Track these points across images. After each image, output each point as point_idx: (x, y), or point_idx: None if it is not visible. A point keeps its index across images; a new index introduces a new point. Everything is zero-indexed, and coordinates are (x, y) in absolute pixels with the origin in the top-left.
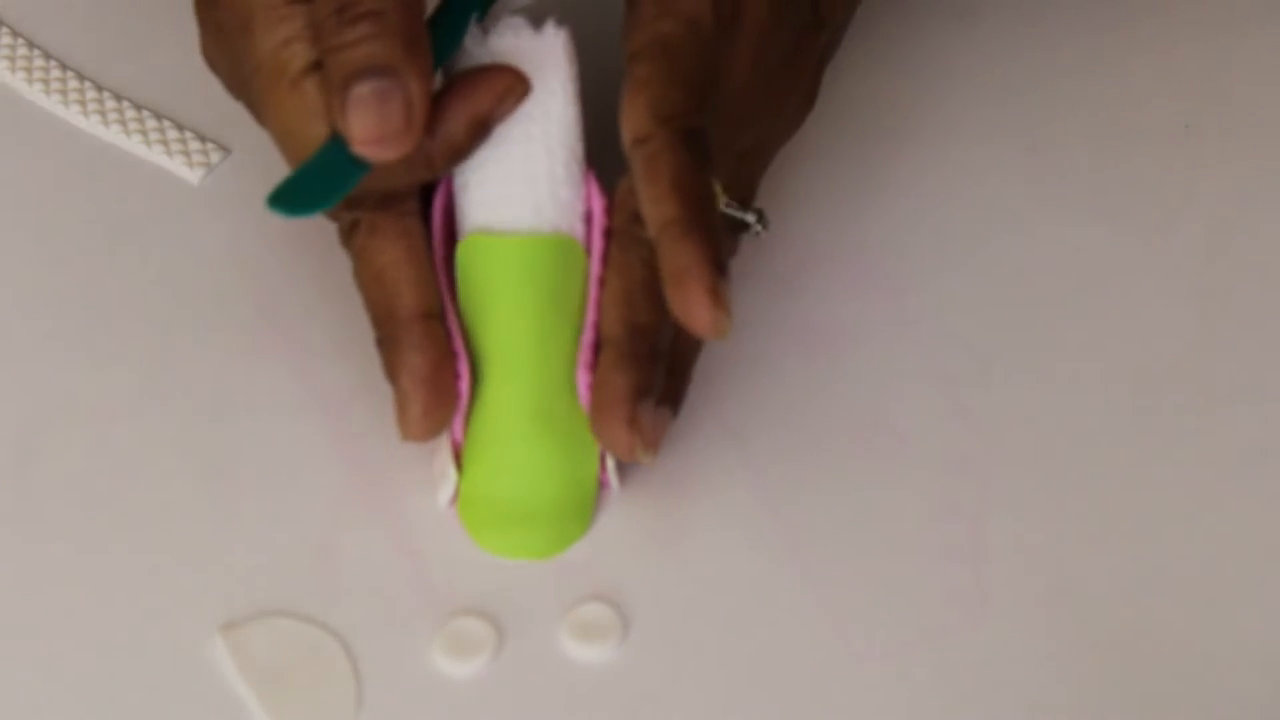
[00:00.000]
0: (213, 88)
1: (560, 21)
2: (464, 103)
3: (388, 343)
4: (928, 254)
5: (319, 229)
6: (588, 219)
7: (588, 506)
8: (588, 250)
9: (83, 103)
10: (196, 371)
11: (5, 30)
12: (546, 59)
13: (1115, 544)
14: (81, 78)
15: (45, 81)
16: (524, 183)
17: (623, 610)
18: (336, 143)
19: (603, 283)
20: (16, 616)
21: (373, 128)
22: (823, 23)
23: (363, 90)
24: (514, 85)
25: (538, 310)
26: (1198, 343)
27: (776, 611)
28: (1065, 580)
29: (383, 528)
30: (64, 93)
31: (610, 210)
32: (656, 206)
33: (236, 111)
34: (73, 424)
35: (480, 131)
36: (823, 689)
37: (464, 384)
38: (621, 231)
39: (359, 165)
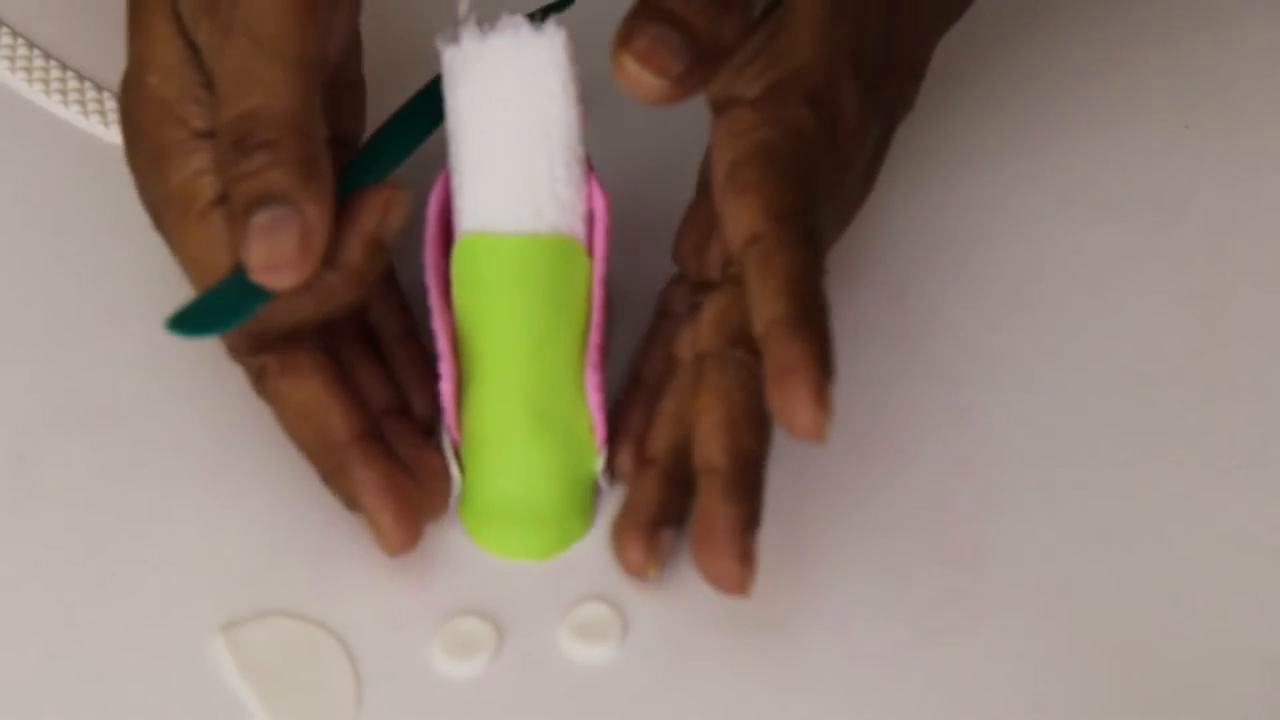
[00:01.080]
0: None
1: (560, 21)
2: (351, 226)
3: (335, 474)
4: (928, 254)
5: None
6: (589, 219)
7: (588, 506)
8: (589, 251)
9: (83, 103)
10: (196, 371)
11: (5, 30)
12: (546, 59)
13: (1115, 544)
14: (81, 78)
15: (45, 81)
16: (523, 183)
17: (623, 610)
18: (240, 272)
19: (702, 408)
20: (16, 616)
21: (268, 255)
22: (908, 101)
23: (261, 219)
24: (392, 199)
25: (536, 311)
26: (1198, 342)
27: (776, 612)
28: (1065, 580)
29: None
30: (64, 93)
31: (707, 328)
32: (768, 304)
33: None
34: (73, 424)
35: (376, 251)
36: (823, 689)
37: (447, 384)
38: (720, 355)
39: (260, 293)
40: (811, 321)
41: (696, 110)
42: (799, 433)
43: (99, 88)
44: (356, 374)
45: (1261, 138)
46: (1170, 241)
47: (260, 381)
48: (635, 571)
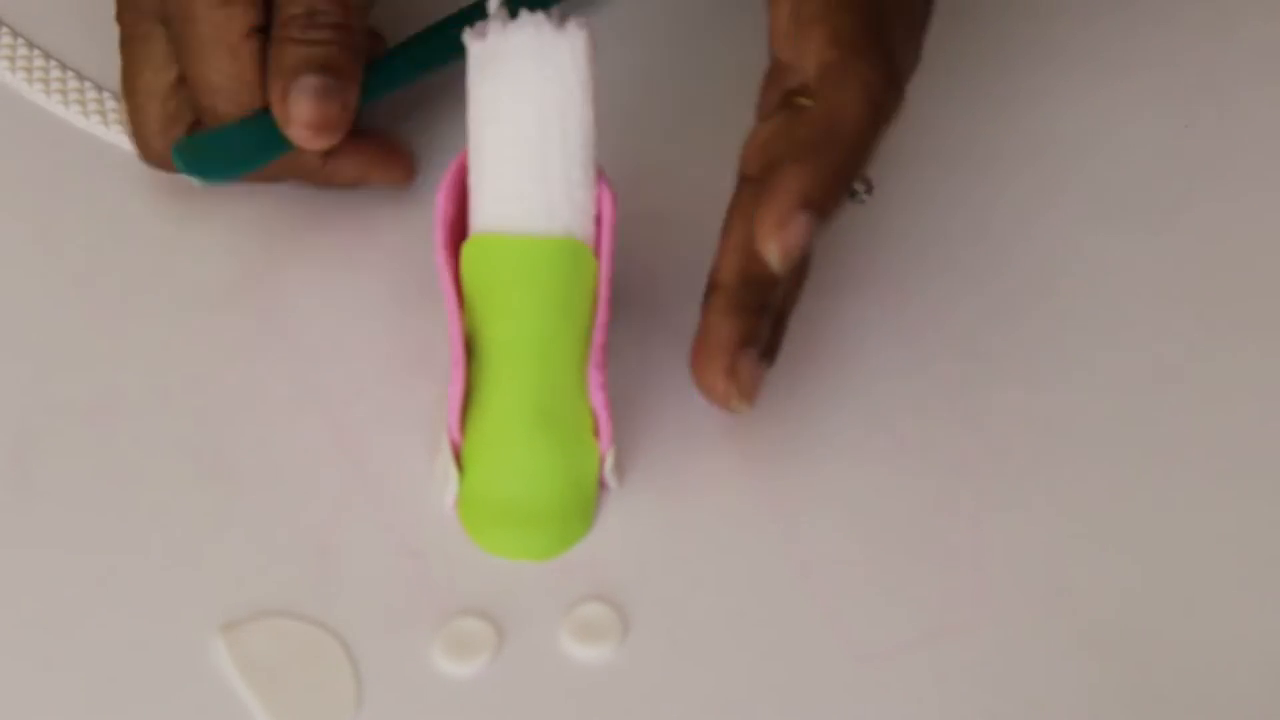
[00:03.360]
0: None
1: (583, 20)
2: (362, 154)
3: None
4: (928, 254)
5: (320, 229)
6: (597, 220)
7: (589, 507)
8: (597, 252)
9: (83, 103)
10: (196, 371)
11: (5, 30)
12: (566, 57)
13: (1115, 544)
14: (81, 78)
15: (45, 81)
16: (538, 183)
17: (623, 610)
18: (263, 118)
19: (725, 229)
20: (16, 616)
21: (313, 114)
22: None
23: (315, 81)
24: (400, 179)
25: (542, 312)
26: (1198, 343)
27: (776, 611)
28: (1065, 580)
29: (383, 528)
30: (64, 93)
31: (750, 151)
32: (724, 256)
33: None
34: (73, 424)
35: (359, 183)
36: (823, 689)
37: (456, 387)
38: (755, 180)
39: (279, 145)
40: (748, 306)
41: (697, 110)
42: (711, 399)
43: (99, 88)
44: None
45: (1261, 138)
46: (1170, 241)
47: None
48: (721, 400)
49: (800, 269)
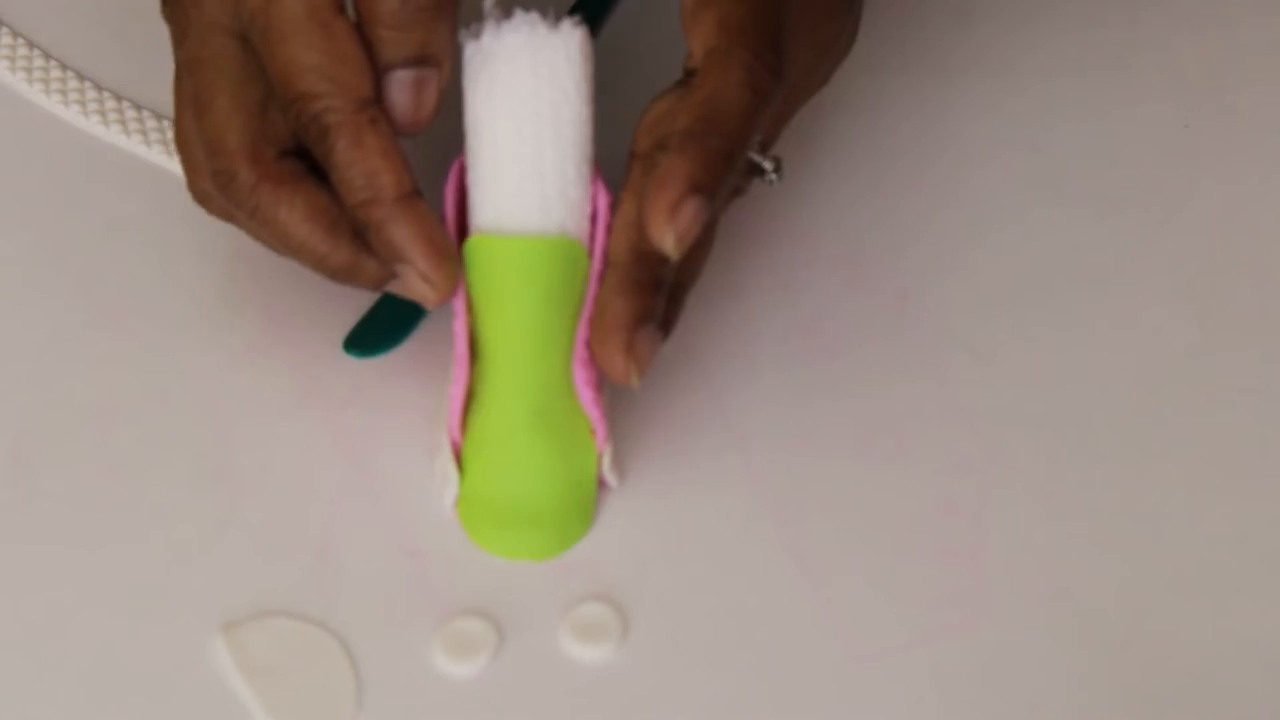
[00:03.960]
0: None
1: (577, 19)
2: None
3: (377, 231)
4: (928, 254)
5: None
6: (593, 218)
7: (588, 507)
8: (590, 251)
9: (83, 103)
10: (196, 371)
11: (5, 30)
12: (561, 57)
13: (1115, 544)
14: (81, 78)
15: (45, 81)
16: (534, 182)
17: (623, 610)
18: (390, 298)
19: (617, 206)
20: (16, 616)
21: (413, 108)
22: None
23: (414, 75)
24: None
25: (539, 312)
26: (1198, 342)
27: (776, 611)
28: (1065, 580)
29: (383, 528)
30: (64, 93)
31: (642, 129)
32: (617, 234)
33: None
34: (73, 424)
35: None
36: (822, 689)
37: (459, 388)
38: (645, 157)
39: (418, 312)
40: (644, 284)
41: None
42: (610, 375)
43: (99, 88)
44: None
45: (1261, 138)
46: (1170, 241)
47: (254, 195)
48: (620, 377)
49: (700, 244)
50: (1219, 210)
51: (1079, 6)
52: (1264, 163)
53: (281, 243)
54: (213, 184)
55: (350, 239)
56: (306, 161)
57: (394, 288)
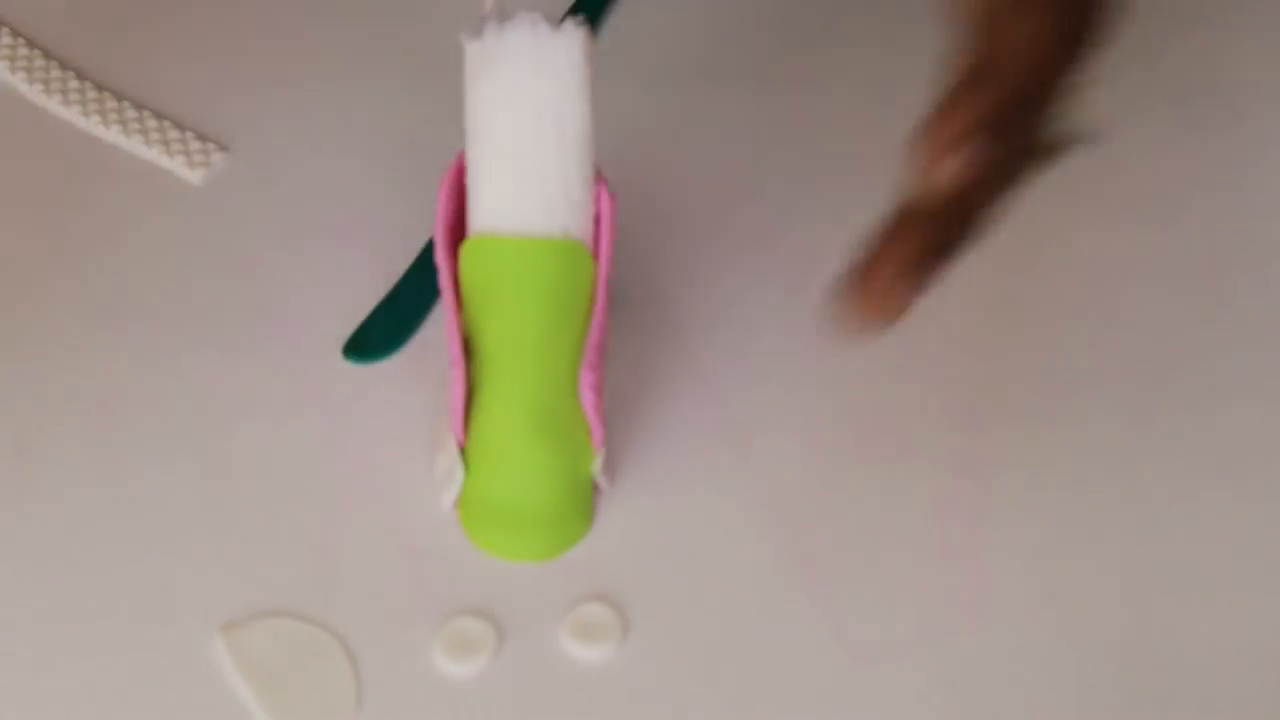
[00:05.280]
0: (212, 87)
1: (579, 20)
2: None
3: None
4: None
5: (318, 229)
6: (596, 220)
7: (588, 507)
8: (595, 253)
9: (83, 103)
10: (197, 372)
11: (5, 30)
12: (563, 58)
13: (1115, 544)
14: (81, 78)
15: (45, 81)
16: (535, 182)
17: (623, 610)
18: (389, 303)
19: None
20: (17, 616)
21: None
22: None
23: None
24: None
25: (541, 312)
26: (1198, 342)
27: (776, 611)
28: (1065, 580)
29: (383, 528)
30: (64, 93)
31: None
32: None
33: (236, 111)
34: (73, 424)
35: None
36: (822, 689)
37: (458, 388)
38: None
39: (420, 309)
40: (907, 240)
41: (697, 111)
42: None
43: (99, 88)
44: None
45: (1261, 138)
46: (1170, 241)
47: None
48: (878, 318)
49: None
50: (1219, 210)
51: None
52: (1264, 163)
53: None
54: None
55: None
56: None
57: None
